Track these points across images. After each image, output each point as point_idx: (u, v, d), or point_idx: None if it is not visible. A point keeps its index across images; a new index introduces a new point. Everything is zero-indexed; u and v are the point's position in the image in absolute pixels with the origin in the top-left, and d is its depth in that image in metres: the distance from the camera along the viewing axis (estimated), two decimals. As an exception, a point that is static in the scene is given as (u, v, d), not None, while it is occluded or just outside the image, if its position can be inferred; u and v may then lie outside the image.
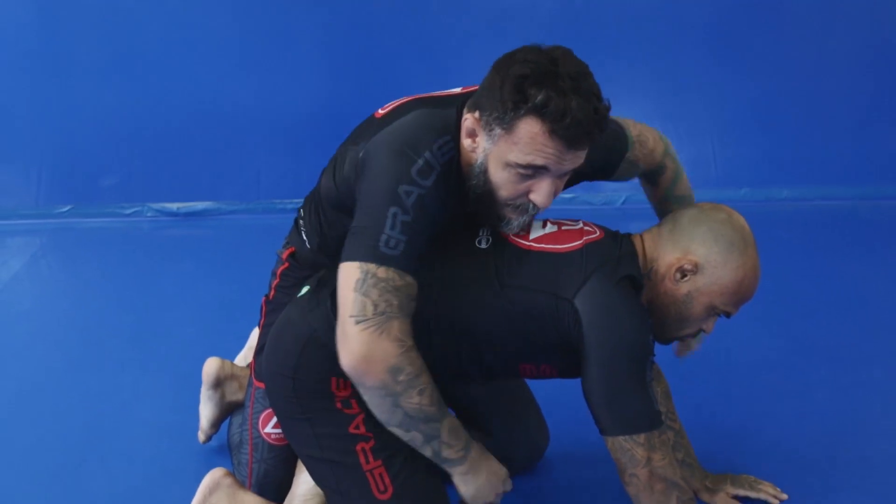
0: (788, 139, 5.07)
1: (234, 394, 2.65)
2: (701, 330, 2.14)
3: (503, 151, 1.92)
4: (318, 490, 2.24)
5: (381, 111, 2.15)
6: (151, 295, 3.90)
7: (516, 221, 2.04)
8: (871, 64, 5.13)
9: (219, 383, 2.65)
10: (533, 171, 1.93)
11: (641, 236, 2.13)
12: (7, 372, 3.20)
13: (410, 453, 2.05)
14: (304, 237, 2.31)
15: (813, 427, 2.83)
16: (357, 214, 1.98)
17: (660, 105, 5.01)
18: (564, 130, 1.86)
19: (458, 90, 2.14)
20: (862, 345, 3.38)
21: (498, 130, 1.91)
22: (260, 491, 2.32)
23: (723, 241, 2.04)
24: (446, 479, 2.09)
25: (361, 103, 4.62)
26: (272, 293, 2.39)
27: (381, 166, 1.96)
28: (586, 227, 2.09)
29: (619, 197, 4.93)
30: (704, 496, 2.45)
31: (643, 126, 2.33)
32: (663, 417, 2.37)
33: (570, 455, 2.63)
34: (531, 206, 1.99)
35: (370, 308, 1.88)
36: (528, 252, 2.04)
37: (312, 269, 2.27)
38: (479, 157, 1.97)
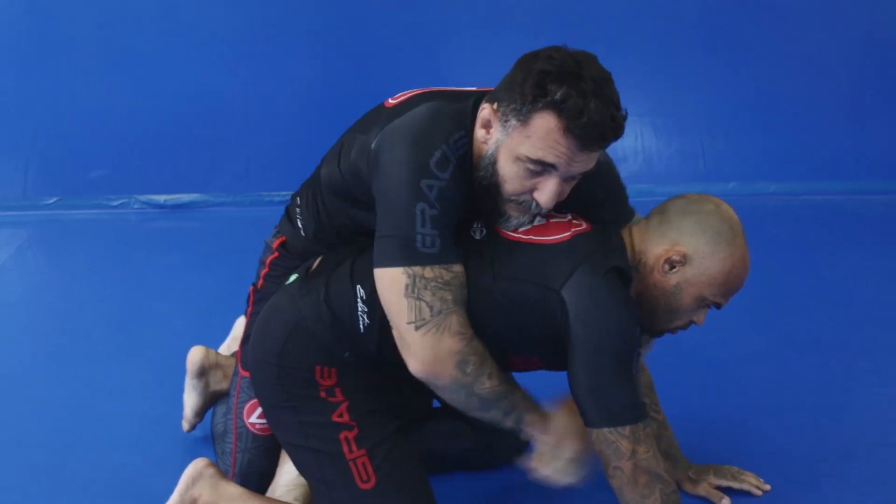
0: (777, 134, 5.08)
1: (219, 383, 2.65)
2: (692, 321, 2.14)
3: (515, 143, 1.91)
4: (301, 480, 2.24)
5: (391, 101, 2.13)
6: (138, 287, 3.89)
7: (515, 220, 2.03)
8: (860, 60, 5.14)
9: (203, 372, 2.64)
10: (541, 169, 1.92)
11: (629, 229, 2.12)
12: (-7, 362, 3.19)
13: (395, 443, 2.05)
14: (300, 225, 2.30)
15: (798, 419, 2.84)
16: (381, 214, 1.96)
17: (649, 99, 5.01)
18: (580, 129, 1.85)
19: (472, 88, 2.12)
20: (848, 338, 3.38)
21: (513, 122, 1.91)
22: (243, 481, 2.31)
23: (711, 231, 2.03)
24: (437, 470, 2.08)
25: (350, 95, 4.69)
26: (260, 282, 2.39)
27: (399, 159, 1.94)
28: (574, 220, 2.08)
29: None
30: (687, 487, 2.45)
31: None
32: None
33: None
34: (534, 204, 1.97)
35: (426, 311, 1.90)
36: (518, 244, 2.03)
37: (302, 259, 2.26)
38: (490, 147, 1.96)
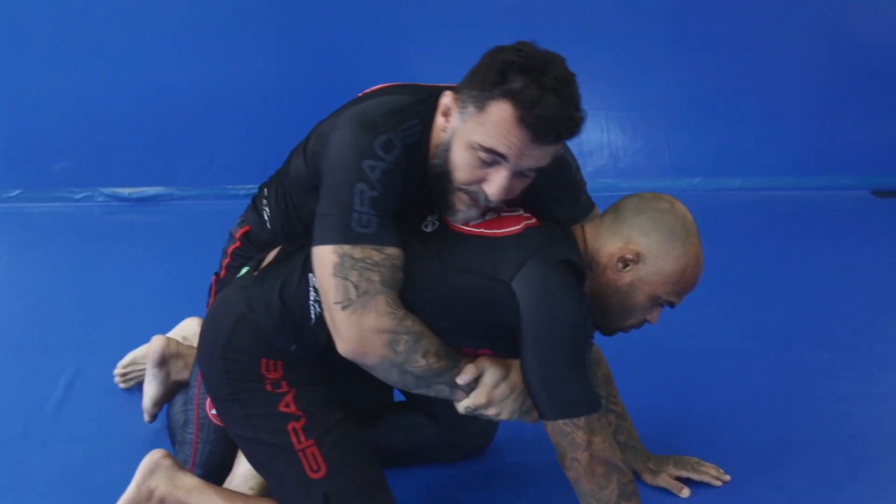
0: (742, 130, 5.11)
1: (179, 372, 2.64)
2: (646, 320, 2.14)
3: (470, 130, 1.91)
4: (258, 471, 2.24)
5: (360, 95, 2.14)
6: (101, 280, 3.85)
7: (463, 213, 2.01)
8: (825, 56, 5.18)
9: (164, 361, 2.64)
10: (492, 159, 1.90)
11: (583, 227, 2.12)
12: (-48, 355, 3.17)
13: (344, 431, 2.05)
14: (266, 217, 2.29)
15: (759, 410, 2.86)
16: (323, 193, 1.96)
17: (615, 94, 5.02)
18: (533, 120, 1.85)
19: (441, 85, 2.11)
20: (810, 331, 3.41)
21: (471, 108, 1.90)
22: (204, 472, 2.30)
23: (664, 230, 2.03)
24: (398, 464, 2.06)
25: (314, 87, 4.69)
26: (223, 272, 2.39)
27: (344, 140, 1.95)
28: (526, 214, 2.07)
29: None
30: (647, 478, 2.46)
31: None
32: (605, 401, 2.39)
33: (518, 439, 2.62)
34: (482, 196, 1.96)
35: (352, 291, 1.89)
36: (469, 236, 2.02)
37: (265, 251, 2.26)
38: (447, 135, 1.96)
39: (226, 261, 2.38)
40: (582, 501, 2.05)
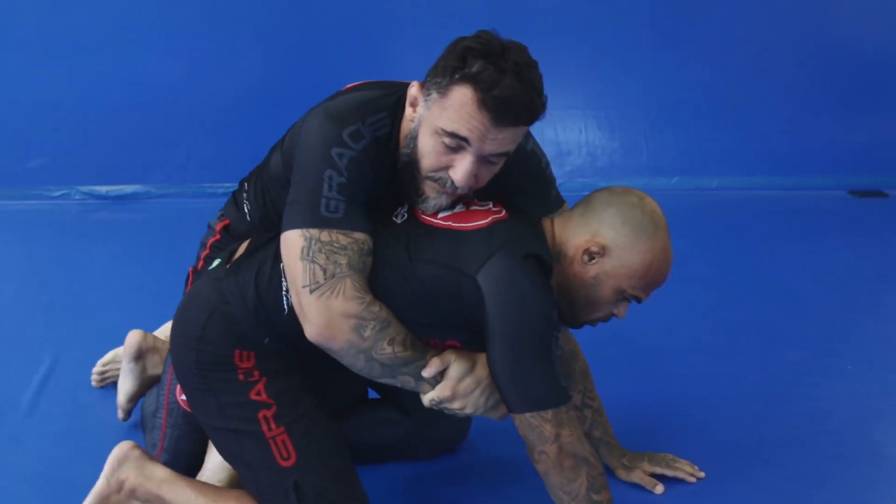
0: (719, 130, 5.14)
1: (155, 367, 2.62)
2: (613, 314, 2.13)
3: (434, 116, 1.93)
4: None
5: (334, 93, 2.16)
6: (77, 278, 3.84)
7: (434, 200, 2.02)
8: (803, 57, 5.22)
9: (140, 356, 2.62)
10: (457, 144, 1.92)
11: (552, 220, 2.12)
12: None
13: (314, 419, 2.05)
14: (246, 211, 2.31)
15: (735, 408, 2.86)
16: (293, 182, 1.99)
17: (594, 94, 5.04)
18: (492, 101, 1.86)
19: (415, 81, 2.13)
20: (786, 329, 3.43)
21: (434, 95, 1.93)
22: (171, 457, 2.31)
23: (631, 223, 2.02)
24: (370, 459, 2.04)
25: (291, 85, 4.68)
26: (200, 264, 2.39)
27: (314, 130, 1.97)
28: (495, 208, 2.07)
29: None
30: (621, 474, 2.45)
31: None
32: (582, 396, 2.39)
33: (492, 434, 2.61)
34: (449, 182, 1.97)
35: (320, 274, 1.90)
36: (437, 229, 2.02)
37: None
38: (415, 124, 1.98)
39: (204, 253, 2.39)
40: (552, 494, 2.04)
